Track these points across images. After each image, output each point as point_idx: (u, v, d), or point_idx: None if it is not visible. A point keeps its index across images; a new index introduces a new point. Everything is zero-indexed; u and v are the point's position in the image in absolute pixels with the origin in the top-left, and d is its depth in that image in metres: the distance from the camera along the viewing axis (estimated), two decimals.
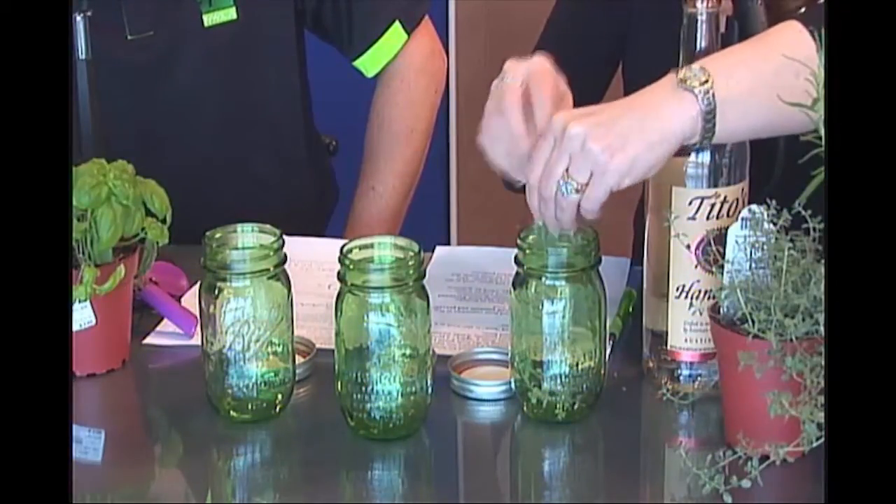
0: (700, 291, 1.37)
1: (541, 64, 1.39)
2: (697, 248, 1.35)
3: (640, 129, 1.30)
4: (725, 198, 1.35)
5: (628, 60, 1.77)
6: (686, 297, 1.37)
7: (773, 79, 1.29)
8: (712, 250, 1.33)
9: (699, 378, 1.39)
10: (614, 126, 1.30)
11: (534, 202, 1.34)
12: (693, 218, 1.35)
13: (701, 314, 1.35)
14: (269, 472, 1.36)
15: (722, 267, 1.31)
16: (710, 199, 1.34)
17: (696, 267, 1.36)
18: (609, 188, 1.31)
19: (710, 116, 1.30)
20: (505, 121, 1.37)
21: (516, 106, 1.37)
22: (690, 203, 1.35)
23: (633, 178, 1.31)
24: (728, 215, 1.34)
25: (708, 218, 1.35)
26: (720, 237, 1.32)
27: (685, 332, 1.39)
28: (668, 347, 1.40)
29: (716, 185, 1.35)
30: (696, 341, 1.38)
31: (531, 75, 1.38)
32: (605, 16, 1.77)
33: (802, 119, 1.19)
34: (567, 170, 1.31)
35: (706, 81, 1.30)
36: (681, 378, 1.40)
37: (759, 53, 1.34)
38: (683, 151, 1.34)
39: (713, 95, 1.29)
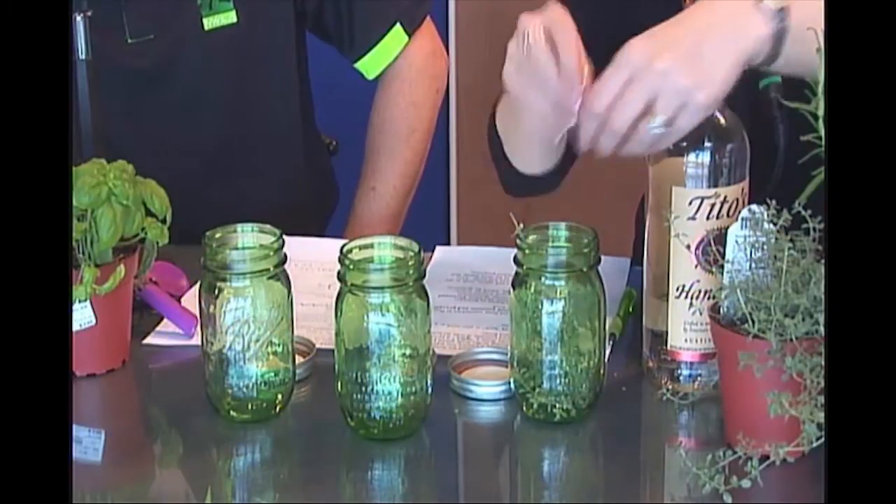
0: (700, 291, 1.37)
1: (559, 10, 1.36)
2: (697, 248, 1.35)
3: (723, 55, 1.29)
4: (725, 198, 1.35)
5: None
6: (686, 297, 1.37)
7: None
8: (712, 250, 1.33)
9: (699, 378, 1.39)
10: (699, 57, 1.29)
11: (590, 131, 1.32)
12: (693, 218, 1.35)
13: (701, 314, 1.35)
14: (269, 472, 1.36)
15: (722, 267, 1.31)
16: (710, 199, 1.34)
17: (696, 267, 1.36)
18: (696, 122, 1.31)
19: (778, 41, 1.29)
20: (534, 65, 1.34)
21: (544, 52, 1.34)
22: (690, 203, 1.35)
23: (715, 104, 1.31)
24: (728, 215, 1.35)
25: (708, 218, 1.35)
26: (720, 237, 1.32)
27: (685, 332, 1.39)
28: (668, 347, 1.40)
29: (716, 185, 1.35)
30: (696, 341, 1.38)
31: (552, 21, 1.35)
32: (609, 22, 1.77)
33: None
34: (647, 105, 1.30)
35: (783, 7, 1.30)
36: (681, 378, 1.40)
37: None
38: (681, 150, 1.34)
39: (788, 19, 1.29)
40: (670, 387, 1.38)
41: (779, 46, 1.30)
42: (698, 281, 1.36)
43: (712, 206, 1.34)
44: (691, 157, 1.35)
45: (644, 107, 1.30)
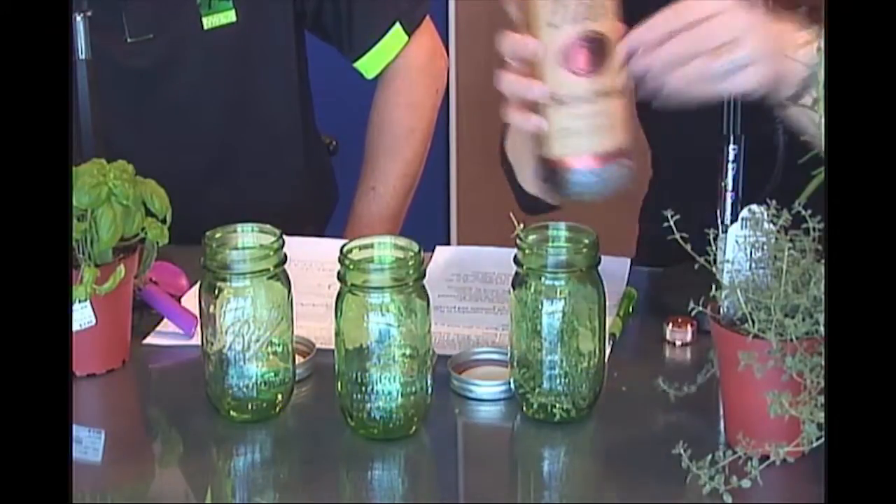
0: (570, 95, 1.35)
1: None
2: (562, 53, 1.35)
3: (778, 54, 1.35)
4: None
5: None
6: (558, 104, 1.36)
7: None
8: (576, 53, 1.34)
9: (592, 185, 1.38)
10: (777, 37, 1.35)
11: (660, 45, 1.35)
12: (553, 25, 1.34)
13: (574, 119, 1.35)
14: (269, 472, 1.36)
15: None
16: (566, 2, 1.34)
17: (562, 71, 1.35)
18: (750, 89, 1.35)
19: (803, 89, 1.36)
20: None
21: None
22: (550, 10, 1.34)
23: (763, 89, 1.36)
24: (590, 19, 1.34)
25: (567, 25, 1.34)
26: (590, 38, 1.33)
27: (560, 139, 1.37)
28: (550, 157, 1.38)
29: None
30: (575, 147, 1.37)
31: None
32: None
33: None
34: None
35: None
36: (571, 189, 1.39)
37: None
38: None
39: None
40: (563, 197, 1.40)
41: (802, 94, 1.35)
42: (565, 85, 1.35)
43: (568, 9, 1.34)
44: None
45: (724, 42, 1.33)
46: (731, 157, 1.50)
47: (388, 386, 1.34)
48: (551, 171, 1.40)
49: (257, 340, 1.39)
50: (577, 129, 1.36)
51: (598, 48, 1.34)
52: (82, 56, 1.66)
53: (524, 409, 1.39)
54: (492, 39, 1.42)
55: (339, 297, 1.34)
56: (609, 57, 1.35)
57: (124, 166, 1.48)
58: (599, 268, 1.36)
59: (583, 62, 1.34)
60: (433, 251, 1.75)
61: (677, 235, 1.34)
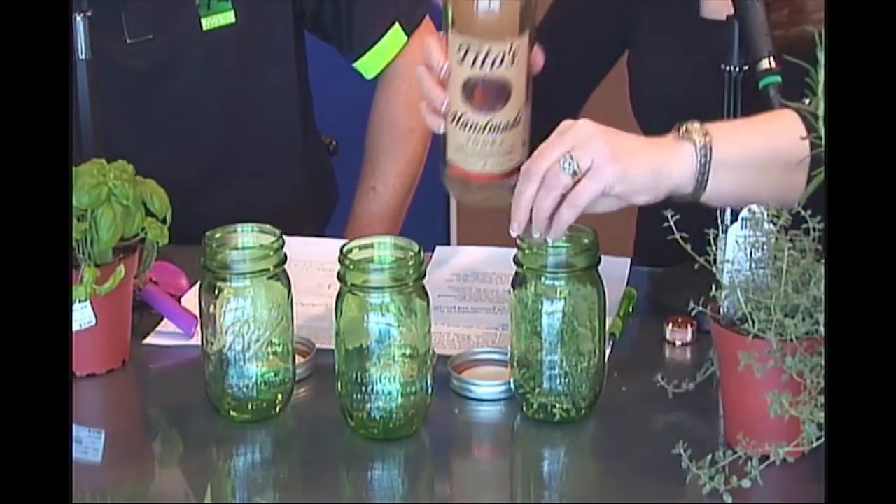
0: (468, 123, 1.40)
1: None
2: (465, 87, 1.39)
3: (644, 153, 1.37)
4: (490, 49, 1.37)
5: (634, 64, 1.77)
6: (457, 124, 1.41)
7: (767, 157, 1.37)
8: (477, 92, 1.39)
9: (487, 197, 1.43)
10: (624, 145, 1.37)
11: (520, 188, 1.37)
12: (461, 62, 1.38)
13: (469, 142, 1.40)
14: (269, 472, 1.36)
15: None
16: (475, 48, 1.37)
17: (463, 102, 1.39)
18: (600, 189, 1.34)
19: (704, 170, 1.37)
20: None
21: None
22: (459, 48, 1.38)
23: (623, 188, 1.36)
24: (493, 66, 1.37)
25: (472, 66, 1.38)
26: (492, 82, 1.37)
27: (457, 152, 1.42)
28: (447, 160, 1.44)
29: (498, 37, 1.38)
30: (467, 163, 1.42)
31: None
32: (606, 11, 1.78)
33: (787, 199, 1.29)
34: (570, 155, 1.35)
35: (706, 135, 1.37)
36: (466, 196, 1.45)
37: (758, 131, 1.41)
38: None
39: (710, 152, 1.37)
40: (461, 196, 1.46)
41: (706, 174, 1.38)
42: (465, 113, 1.40)
43: (476, 55, 1.37)
44: (482, 3, 1.37)
45: (563, 154, 1.35)
46: None
47: (388, 386, 1.34)
48: (448, 173, 1.45)
49: (257, 340, 1.39)
50: (473, 151, 1.41)
51: (499, 90, 1.38)
52: (82, 56, 1.66)
53: (524, 409, 1.39)
54: None
55: (339, 297, 1.34)
56: (510, 98, 1.39)
57: (124, 166, 1.48)
58: (599, 268, 1.36)
59: (481, 101, 1.39)
60: (433, 251, 1.75)
61: (677, 235, 1.34)
